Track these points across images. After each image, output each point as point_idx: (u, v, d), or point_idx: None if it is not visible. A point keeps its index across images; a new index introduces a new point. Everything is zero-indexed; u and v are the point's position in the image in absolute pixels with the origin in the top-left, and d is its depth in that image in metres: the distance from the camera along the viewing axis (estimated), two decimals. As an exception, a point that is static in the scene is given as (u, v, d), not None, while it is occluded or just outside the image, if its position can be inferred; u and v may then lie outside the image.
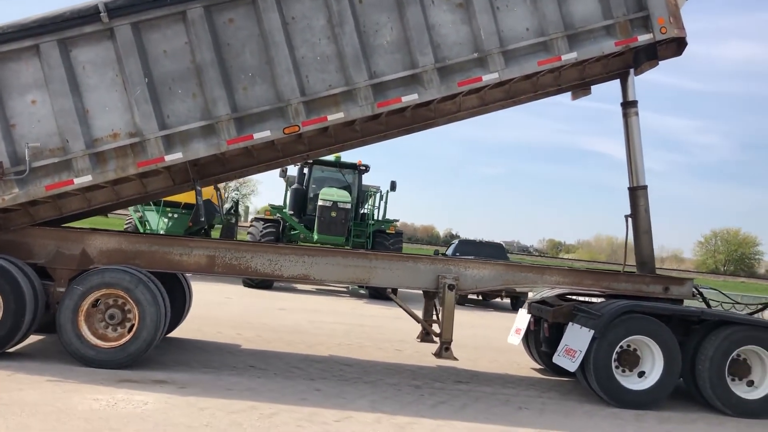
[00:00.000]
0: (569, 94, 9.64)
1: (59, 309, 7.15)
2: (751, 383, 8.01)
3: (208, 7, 7.25)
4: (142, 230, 20.18)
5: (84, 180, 7.10)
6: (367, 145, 9.07)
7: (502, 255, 22.49)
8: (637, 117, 8.92)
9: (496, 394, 7.99)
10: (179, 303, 9.18)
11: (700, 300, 9.13)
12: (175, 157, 7.23)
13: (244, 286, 18.80)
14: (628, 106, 8.92)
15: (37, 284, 7.29)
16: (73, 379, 6.63)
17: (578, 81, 8.88)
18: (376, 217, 20.71)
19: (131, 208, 21.41)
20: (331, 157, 20.34)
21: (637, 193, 8.90)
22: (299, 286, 20.41)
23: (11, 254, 7.38)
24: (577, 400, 8.05)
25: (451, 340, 8.26)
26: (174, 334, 9.65)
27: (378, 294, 18.38)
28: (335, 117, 7.47)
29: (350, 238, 19.20)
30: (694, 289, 8.88)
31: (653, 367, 7.85)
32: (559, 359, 8.16)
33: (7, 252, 7.41)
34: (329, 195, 18.43)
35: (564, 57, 7.83)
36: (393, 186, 21.00)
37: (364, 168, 20.76)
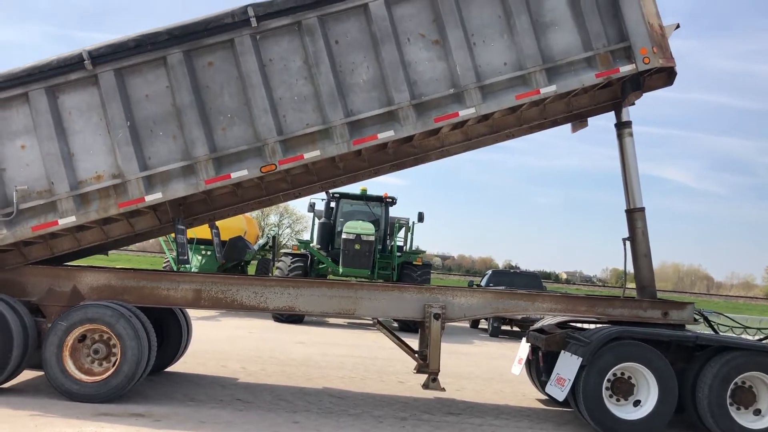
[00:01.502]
0: (569, 126, 9.59)
1: (44, 344, 7.41)
2: (757, 412, 7.65)
3: (187, 51, 7.51)
4: (175, 268, 20.70)
5: (68, 221, 7.39)
6: (355, 182, 9.17)
7: (537, 285, 22.14)
8: (632, 138, 8.73)
9: (483, 425, 7.84)
10: (174, 338, 9.37)
11: (707, 325, 8.84)
12: (155, 197, 7.45)
13: (274, 320, 18.96)
14: (622, 126, 8.74)
15: (27, 321, 7.57)
16: (53, 414, 6.81)
17: (566, 114, 8.79)
18: (405, 249, 20.73)
19: (166, 249, 22.06)
20: (357, 191, 20.61)
21: (634, 216, 8.70)
22: (331, 320, 20.48)
23: (5, 292, 7.70)
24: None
25: (438, 370, 8.16)
26: (174, 368, 9.83)
27: (408, 327, 18.28)
28: (311, 155, 7.59)
29: (375, 270, 19.24)
30: (696, 314, 8.58)
31: (648, 395, 7.58)
32: (550, 388, 7.99)
33: (2, 290, 7.73)
34: (353, 228, 18.56)
35: (543, 90, 7.78)
36: (420, 217, 21.03)
37: (390, 200, 20.86)
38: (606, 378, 7.56)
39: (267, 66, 7.61)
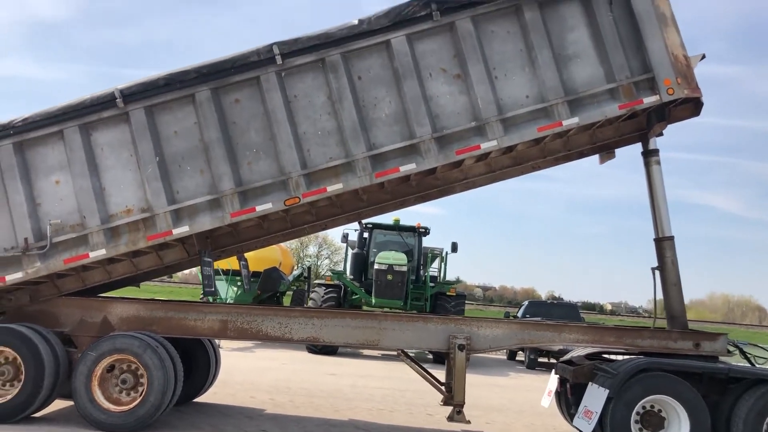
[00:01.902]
0: (596, 157, 9.54)
1: (74, 374, 7.60)
2: None
3: (215, 89, 7.75)
4: (211, 300, 20.94)
5: (98, 253, 7.62)
6: (380, 214, 9.24)
7: (575, 316, 21.78)
8: (659, 166, 8.62)
9: None
10: (203, 368, 9.49)
11: (742, 357, 8.59)
12: (182, 230, 7.64)
13: (308, 351, 18.99)
14: (649, 155, 8.64)
15: (59, 351, 7.79)
16: (79, 444, 6.99)
17: (590, 145, 8.75)
18: (438, 280, 20.66)
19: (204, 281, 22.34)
20: (390, 221, 20.71)
21: (663, 244, 8.55)
22: (365, 352, 20.43)
23: (39, 323, 7.95)
24: None
25: (463, 402, 8.10)
26: (203, 398, 9.95)
27: (443, 359, 18.13)
28: (334, 188, 7.70)
29: (408, 301, 19.20)
30: (730, 345, 8.34)
31: (679, 429, 7.38)
32: (578, 421, 7.83)
33: (36, 321, 7.99)
34: (385, 258, 18.61)
35: (565, 122, 7.78)
36: (454, 248, 20.95)
37: (423, 230, 20.87)
38: (635, 411, 7.41)
39: (292, 102, 7.79)
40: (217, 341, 18.33)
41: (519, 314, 22.76)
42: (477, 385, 14.95)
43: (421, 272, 20.62)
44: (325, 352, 18.68)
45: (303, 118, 7.79)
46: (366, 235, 20.83)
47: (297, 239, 68.26)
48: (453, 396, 8.14)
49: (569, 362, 8.94)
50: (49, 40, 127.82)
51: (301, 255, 64.49)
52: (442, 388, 8.60)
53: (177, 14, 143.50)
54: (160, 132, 7.77)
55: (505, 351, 22.94)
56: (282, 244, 26.23)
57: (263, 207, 7.68)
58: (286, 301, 24.27)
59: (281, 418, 9.24)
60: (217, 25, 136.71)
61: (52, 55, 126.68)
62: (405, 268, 18.41)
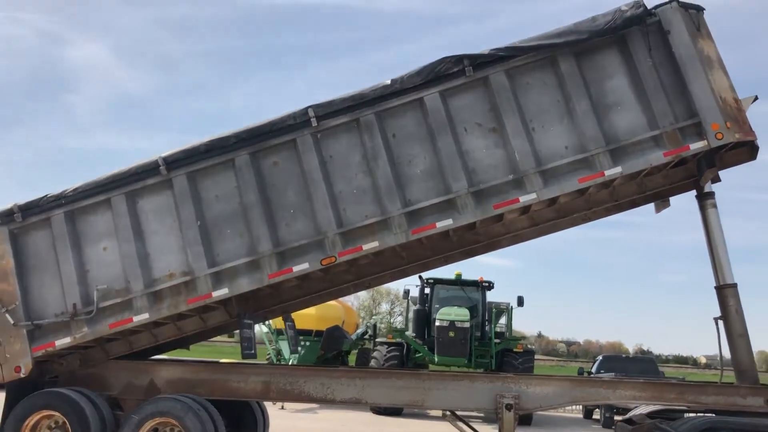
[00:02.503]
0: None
1: (118, 438, 7.69)
2: None
3: (253, 153, 7.91)
4: (276, 361, 21.03)
5: (142, 318, 7.77)
6: (426, 270, 9.12)
7: (653, 370, 20.75)
8: (716, 209, 8.24)
9: None
10: (250, 430, 9.42)
11: None
12: (221, 292, 7.72)
13: (373, 413, 18.66)
14: (705, 198, 8.26)
15: (106, 414, 7.90)
16: None
17: (639, 194, 8.42)
18: (505, 336, 20.09)
19: (267, 342, 22.58)
20: (452, 275, 20.40)
21: (725, 293, 8.07)
22: (432, 412, 19.91)
23: (88, 387, 8.12)
24: None
25: None
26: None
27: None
28: (370, 246, 7.64)
29: (473, 358, 18.70)
30: None
31: None
32: None
33: (86, 385, 8.17)
34: (447, 315, 18.27)
35: (608, 172, 7.51)
36: (520, 302, 20.35)
37: (487, 284, 20.44)
38: None
39: (327, 162, 7.85)
40: (276, 403, 18.33)
41: (593, 370, 21.80)
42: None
43: (486, 328, 20.11)
44: (389, 413, 18.30)
45: (338, 178, 7.82)
46: (427, 290, 20.53)
47: (369, 296, 68.83)
48: None
49: (629, 421, 8.44)
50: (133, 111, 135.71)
51: (374, 312, 64.57)
52: None
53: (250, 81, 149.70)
54: (202, 197, 7.95)
55: (581, 409, 21.99)
56: (345, 302, 26.32)
57: (300, 267, 7.68)
58: (351, 360, 24.10)
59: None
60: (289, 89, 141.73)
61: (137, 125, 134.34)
62: (467, 324, 18.00)
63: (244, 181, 7.86)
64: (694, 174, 8.16)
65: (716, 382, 8.06)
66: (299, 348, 21.74)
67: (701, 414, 7.63)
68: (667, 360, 76.97)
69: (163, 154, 7.98)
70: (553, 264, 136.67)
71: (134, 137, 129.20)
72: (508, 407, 7.74)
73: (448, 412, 8.28)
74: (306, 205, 7.80)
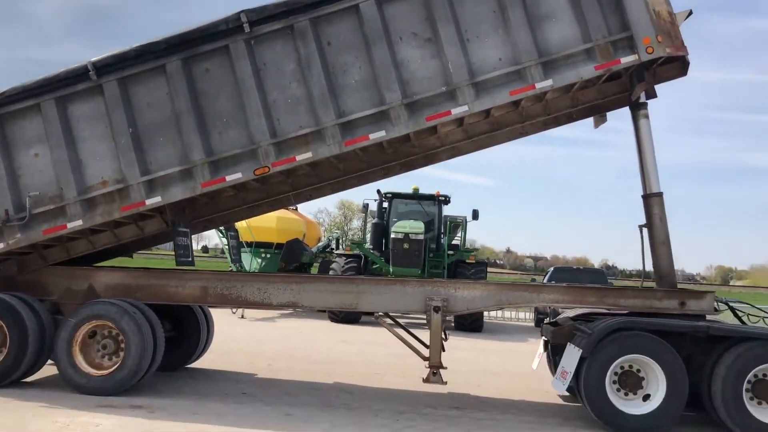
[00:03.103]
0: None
1: (55, 340, 7.86)
2: None
3: (185, 59, 7.76)
4: (235, 270, 21.28)
5: (75, 224, 7.80)
6: (366, 183, 9.20)
7: (602, 281, 21.60)
8: (648, 119, 8.33)
9: (485, 419, 7.72)
10: (193, 335, 9.67)
11: (735, 316, 8.39)
12: (154, 201, 7.75)
13: (330, 321, 19.16)
14: (637, 108, 8.33)
15: (45, 318, 8.04)
16: (58, 405, 7.19)
17: (573, 108, 8.50)
18: (460, 248, 20.55)
19: (228, 256, 22.77)
20: (409, 190, 20.59)
21: (650, 201, 8.28)
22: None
23: (28, 292, 8.23)
24: (575, 426, 7.57)
25: (439, 364, 8.13)
26: (198, 364, 10.18)
27: (464, 326, 18.28)
28: (304, 157, 7.67)
29: (426, 269, 19.14)
30: (720, 303, 8.14)
31: (657, 389, 7.24)
32: (554, 382, 7.75)
33: (25, 290, 8.27)
34: (402, 227, 18.55)
35: (538, 85, 7.55)
36: (475, 215, 20.76)
37: (443, 198, 20.69)
38: (610, 371, 7.28)
39: (261, 70, 7.75)
40: (237, 311, 18.69)
41: (545, 280, 22.56)
42: (490, 350, 14.94)
43: (441, 241, 20.49)
44: (347, 321, 18.82)
45: (272, 86, 7.75)
46: (386, 204, 20.74)
47: (341, 213, 69.05)
48: (429, 358, 8.16)
49: (555, 324, 8.85)
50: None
51: (346, 228, 65.02)
52: (422, 351, 8.59)
53: None
54: (133, 103, 7.84)
55: (533, 318, 22.85)
56: (309, 217, 26.53)
57: (233, 177, 7.71)
58: (313, 272, 24.53)
59: (267, 382, 9.40)
60: None
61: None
62: (421, 237, 18.30)
63: (175, 88, 7.75)
64: (628, 88, 8.22)
65: (636, 287, 8.41)
66: (260, 260, 22.06)
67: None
68: (630, 275, 79.20)
69: (93, 59, 7.80)
70: (528, 183, 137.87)
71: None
72: (436, 309, 8.04)
73: (380, 313, 8.60)
74: (239, 114, 7.75)
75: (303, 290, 8.26)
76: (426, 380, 8.16)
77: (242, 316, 19.42)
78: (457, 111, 7.59)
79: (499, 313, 25.76)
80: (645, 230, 8.38)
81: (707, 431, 7.61)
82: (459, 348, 14.89)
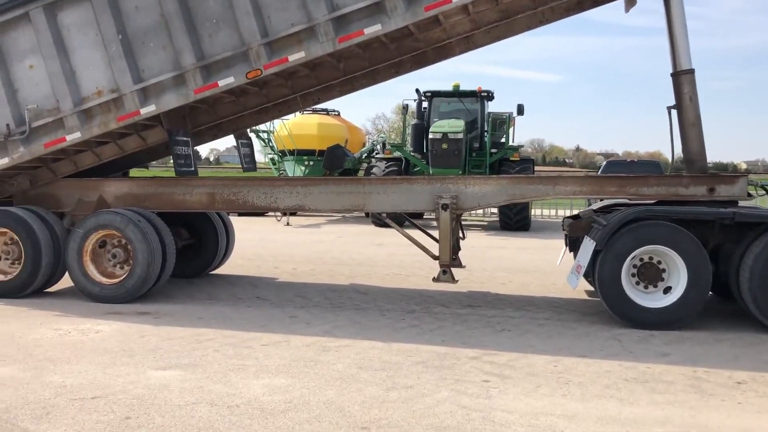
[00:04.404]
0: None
1: (66, 251, 8.01)
2: None
3: (172, -44, 7.34)
4: None
5: (74, 137, 7.73)
6: (375, 83, 8.74)
7: (658, 172, 20.66)
8: None
9: (497, 317, 7.52)
10: (211, 242, 9.72)
11: None
12: (149, 109, 7.57)
13: (375, 226, 19.09)
14: None
15: (58, 230, 8.18)
16: (70, 313, 7.36)
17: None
18: (505, 145, 19.84)
19: (271, 164, 22.62)
20: (449, 87, 19.81)
21: (680, 79, 7.51)
22: (434, 224, 20.24)
23: (42, 205, 8.36)
24: (590, 322, 7.27)
25: (449, 262, 7.91)
26: (221, 270, 10.33)
27: (510, 225, 18.30)
28: (296, 57, 7.25)
29: (467, 168, 18.64)
30: (756, 187, 7.55)
31: (678, 281, 6.79)
32: (570, 277, 7.41)
33: (40, 203, 8.40)
34: (440, 127, 17.98)
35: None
36: (520, 110, 19.69)
37: (486, 94, 19.82)
38: (628, 263, 6.85)
39: (250, -37, 7.26)
40: (282, 218, 18.76)
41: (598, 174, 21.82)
42: (528, 249, 14.59)
43: (485, 139, 19.82)
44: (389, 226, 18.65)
45: (262, -20, 7.27)
46: (426, 104, 20.07)
47: (399, 117, 68.18)
48: (439, 256, 7.94)
49: (575, 216, 8.44)
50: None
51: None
52: (434, 251, 8.37)
53: None
54: (121, 8, 7.52)
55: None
56: (352, 122, 26.11)
57: (225, 81, 7.41)
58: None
59: (286, 285, 9.42)
60: None
61: None
62: (461, 136, 17.70)
63: (163, -12, 7.39)
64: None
65: (660, 174, 7.80)
66: (303, 168, 22.01)
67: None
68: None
69: (76, -37, 7.48)
70: (597, 76, 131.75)
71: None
72: (444, 207, 7.74)
73: (384, 214, 8.35)
74: (228, 13, 7.34)
75: (309, 193, 8.08)
76: (436, 279, 7.97)
77: (288, 224, 19.63)
78: (457, -1, 6.96)
79: (552, 211, 25.24)
80: (674, 112, 7.67)
81: (732, 323, 7.19)
82: (498, 246, 14.70)
